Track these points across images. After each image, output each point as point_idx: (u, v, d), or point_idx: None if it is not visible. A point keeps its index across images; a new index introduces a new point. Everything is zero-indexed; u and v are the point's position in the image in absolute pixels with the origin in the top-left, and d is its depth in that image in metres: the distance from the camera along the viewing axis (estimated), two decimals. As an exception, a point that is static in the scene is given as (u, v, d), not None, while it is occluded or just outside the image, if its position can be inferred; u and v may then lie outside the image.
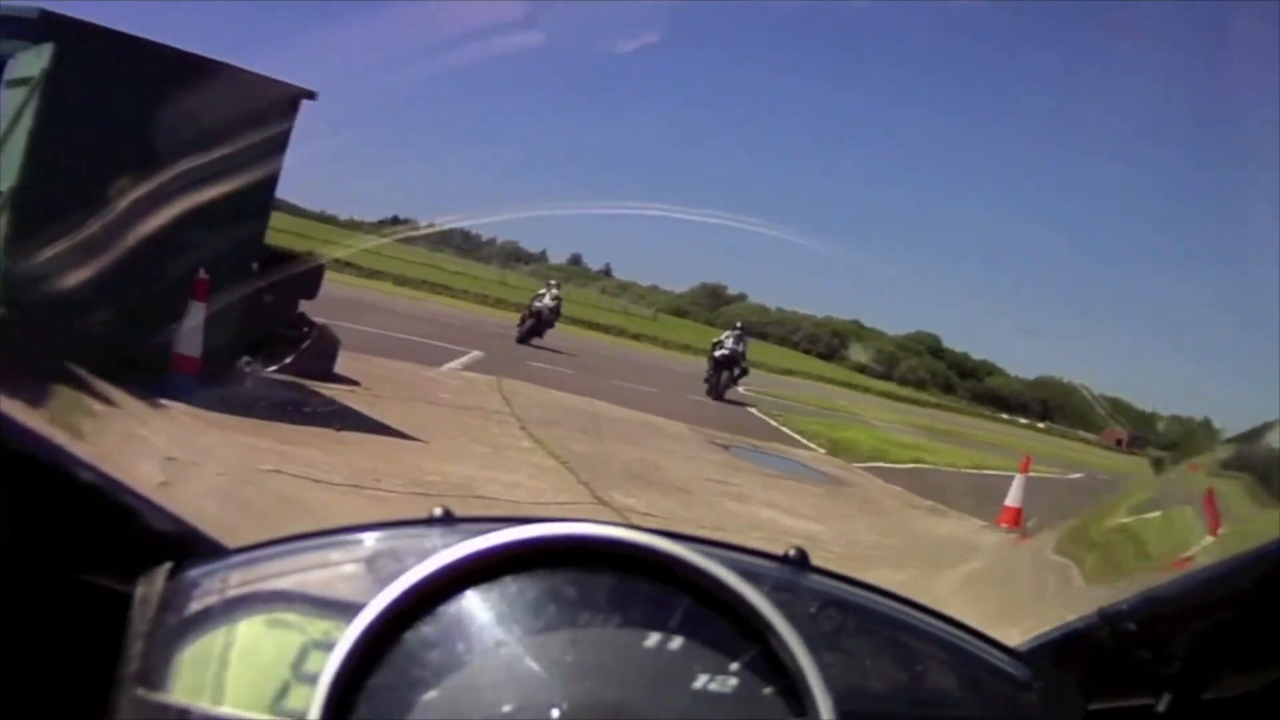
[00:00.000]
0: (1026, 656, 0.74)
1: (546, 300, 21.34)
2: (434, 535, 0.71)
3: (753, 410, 18.59)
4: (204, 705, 0.67)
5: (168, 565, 0.72)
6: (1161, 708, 0.71)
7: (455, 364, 13.47)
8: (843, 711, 0.64)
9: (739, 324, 20.74)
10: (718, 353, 19.57)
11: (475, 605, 0.68)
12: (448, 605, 0.67)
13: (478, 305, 31.69)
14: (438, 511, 0.73)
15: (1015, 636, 0.78)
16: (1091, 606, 0.75)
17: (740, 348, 19.61)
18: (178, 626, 0.70)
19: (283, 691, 0.67)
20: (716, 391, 19.03)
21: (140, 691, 0.68)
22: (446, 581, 0.67)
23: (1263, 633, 0.70)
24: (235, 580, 0.72)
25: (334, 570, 0.72)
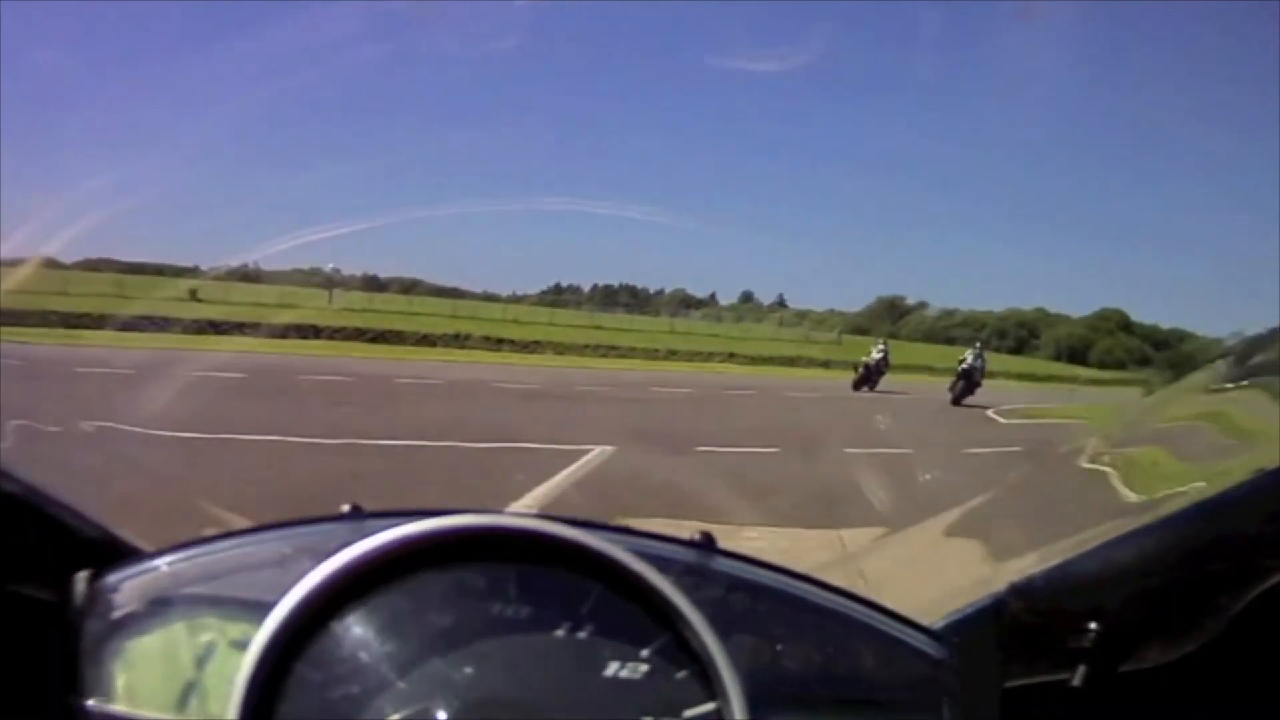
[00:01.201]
0: (941, 634, 0.74)
1: (874, 355, 24.14)
2: (343, 531, 0.72)
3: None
4: (127, 709, 0.68)
5: (88, 572, 0.72)
6: (1077, 681, 0.71)
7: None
8: (754, 693, 0.65)
9: (979, 343, 24.71)
10: (962, 367, 22.94)
11: (388, 599, 0.68)
12: (361, 600, 0.68)
13: (647, 361, 28.64)
14: (346, 508, 0.74)
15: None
16: (1004, 582, 0.75)
17: (980, 364, 23.04)
18: (99, 632, 0.71)
19: (204, 693, 0.68)
20: (956, 399, 22.08)
21: (64, 697, 0.69)
22: (356, 576, 0.68)
23: (1177, 604, 0.70)
24: (154, 584, 0.72)
25: (249, 571, 0.73)
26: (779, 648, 0.70)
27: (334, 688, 0.65)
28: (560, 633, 0.67)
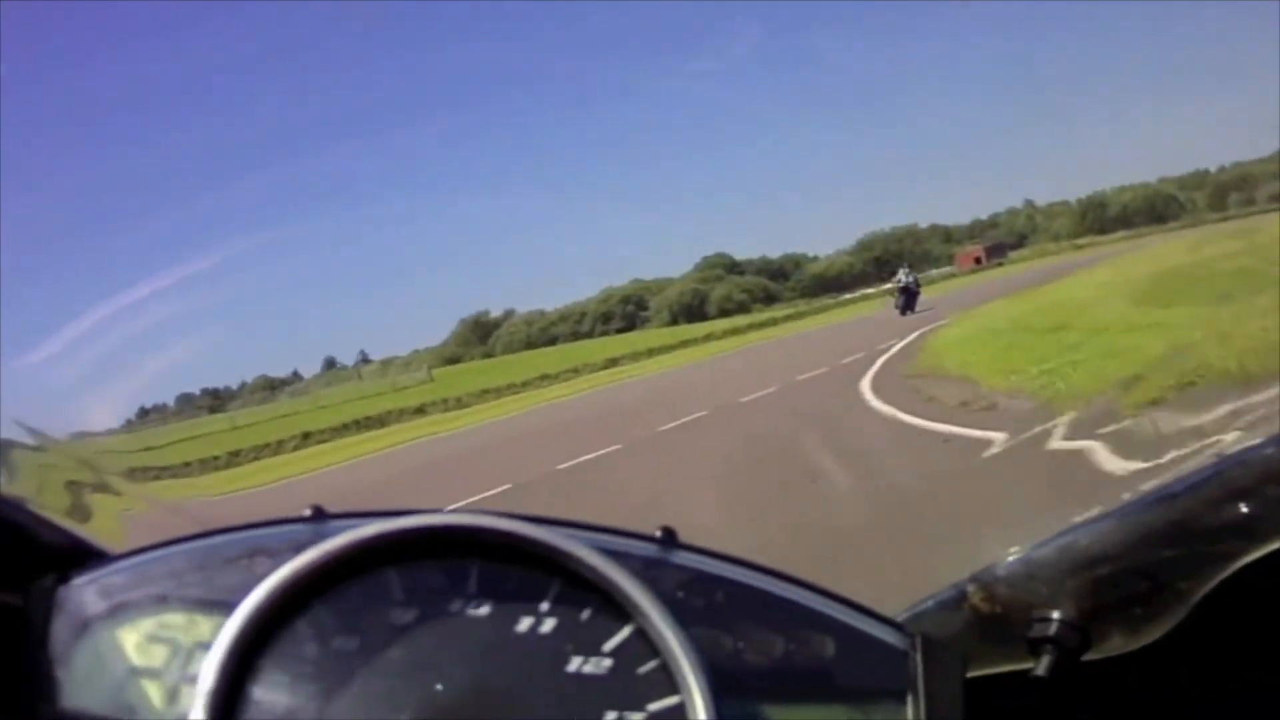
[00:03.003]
0: (904, 625, 0.74)
1: (904, 277, 34.38)
2: (305, 532, 0.72)
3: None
4: (92, 712, 0.68)
5: (52, 576, 0.72)
6: (1040, 671, 0.71)
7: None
8: (717, 685, 0.64)
9: (907, 264, 36.94)
10: (899, 285, 33.98)
11: (350, 598, 0.69)
12: (324, 599, 0.68)
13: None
14: (308, 510, 0.74)
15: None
16: (966, 571, 0.75)
17: (913, 279, 34.35)
18: (64, 636, 0.70)
19: (170, 694, 0.67)
20: (906, 311, 32.24)
21: (29, 702, 0.69)
22: (319, 575, 0.68)
23: (1140, 592, 0.70)
24: (119, 586, 0.72)
25: (212, 571, 0.72)
26: (742, 640, 0.70)
27: (299, 685, 0.65)
28: (521, 629, 0.68)
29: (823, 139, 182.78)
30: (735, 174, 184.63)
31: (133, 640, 0.70)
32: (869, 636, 0.72)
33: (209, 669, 0.64)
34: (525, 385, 35.01)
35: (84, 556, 0.75)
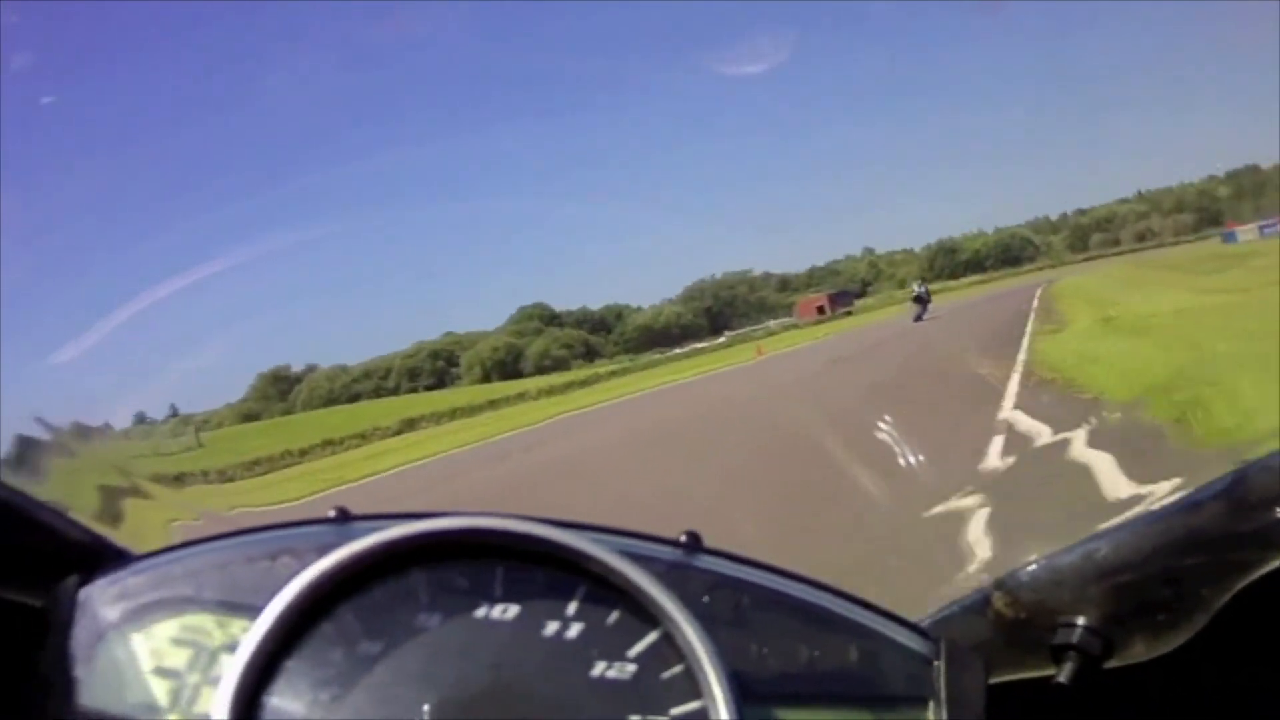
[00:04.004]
0: (928, 630, 0.74)
1: (916, 289, 39.38)
2: (330, 533, 0.73)
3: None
4: (115, 712, 0.68)
5: (76, 576, 0.72)
6: (1063, 678, 0.72)
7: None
8: (741, 690, 0.65)
9: (921, 279, 45.07)
10: (914, 295, 37.97)
11: (375, 600, 0.69)
12: (348, 601, 0.68)
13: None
14: (332, 512, 0.75)
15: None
16: (990, 576, 0.75)
17: (924, 289, 39.38)
18: (88, 636, 0.71)
19: (193, 694, 0.68)
20: (917, 318, 34.81)
21: (53, 702, 0.69)
22: (345, 577, 0.68)
23: (1162, 599, 0.71)
24: (142, 587, 0.72)
25: (237, 573, 0.72)
26: (765, 645, 0.70)
27: (323, 688, 0.66)
28: (546, 632, 0.68)
29: (649, 181, 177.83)
30: (556, 220, 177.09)
31: (155, 641, 0.70)
32: (892, 641, 0.72)
33: (233, 670, 0.64)
34: (304, 454, 31.55)
35: (107, 557, 0.75)
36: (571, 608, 0.68)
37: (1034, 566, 0.74)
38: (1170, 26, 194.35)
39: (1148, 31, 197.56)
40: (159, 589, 0.72)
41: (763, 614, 0.71)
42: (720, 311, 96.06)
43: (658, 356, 71.74)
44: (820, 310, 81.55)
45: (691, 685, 0.65)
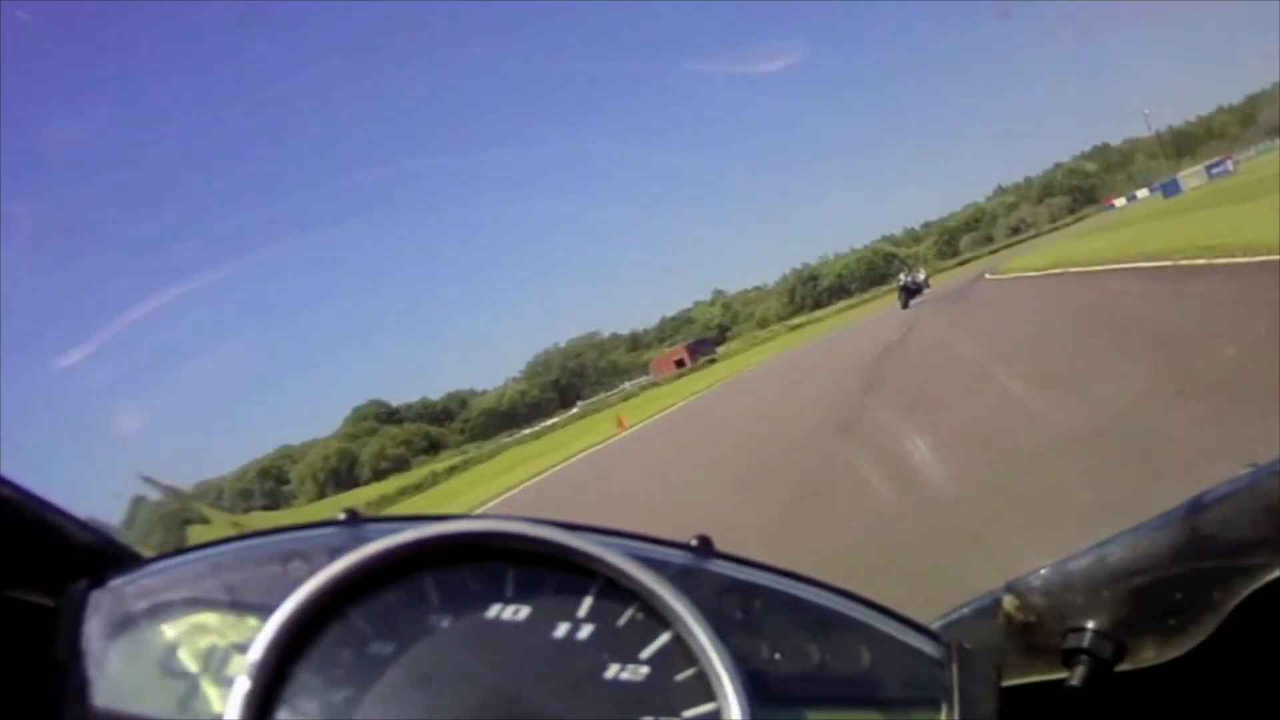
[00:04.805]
0: (939, 633, 0.74)
1: (905, 278, 43.05)
2: (340, 536, 0.73)
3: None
4: (127, 716, 0.67)
5: (86, 578, 0.72)
6: (1075, 681, 0.72)
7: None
8: (753, 693, 0.65)
9: (908, 265, 55.77)
10: (900, 284, 42.48)
11: (387, 602, 0.69)
12: (360, 603, 0.68)
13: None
14: (342, 514, 0.75)
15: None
16: (1001, 580, 0.76)
17: (910, 278, 43.84)
18: (98, 637, 0.70)
19: (204, 696, 0.67)
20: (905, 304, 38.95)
21: (63, 702, 0.68)
22: (356, 579, 0.68)
23: (1174, 602, 0.71)
24: (153, 588, 0.72)
25: (248, 574, 0.72)
26: (777, 647, 0.70)
27: (334, 690, 0.65)
28: (558, 635, 0.68)
29: (478, 258, 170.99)
30: (389, 312, 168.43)
31: (167, 642, 0.70)
32: (904, 645, 0.72)
33: (245, 672, 0.64)
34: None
35: (118, 558, 0.74)
36: (583, 610, 0.68)
37: (1045, 570, 0.74)
38: (992, 27, 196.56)
39: (974, 35, 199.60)
40: (170, 590, 0.71)
41: (774, 617, 0.71)
42: (569, 383, 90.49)
43: (506, 440, 68.95)
44: (679, 363, 78.18)
45: (705, 687, 0.65)
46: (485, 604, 0.68)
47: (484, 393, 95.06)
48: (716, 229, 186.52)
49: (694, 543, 0.75)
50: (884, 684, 0.70)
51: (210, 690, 0.67)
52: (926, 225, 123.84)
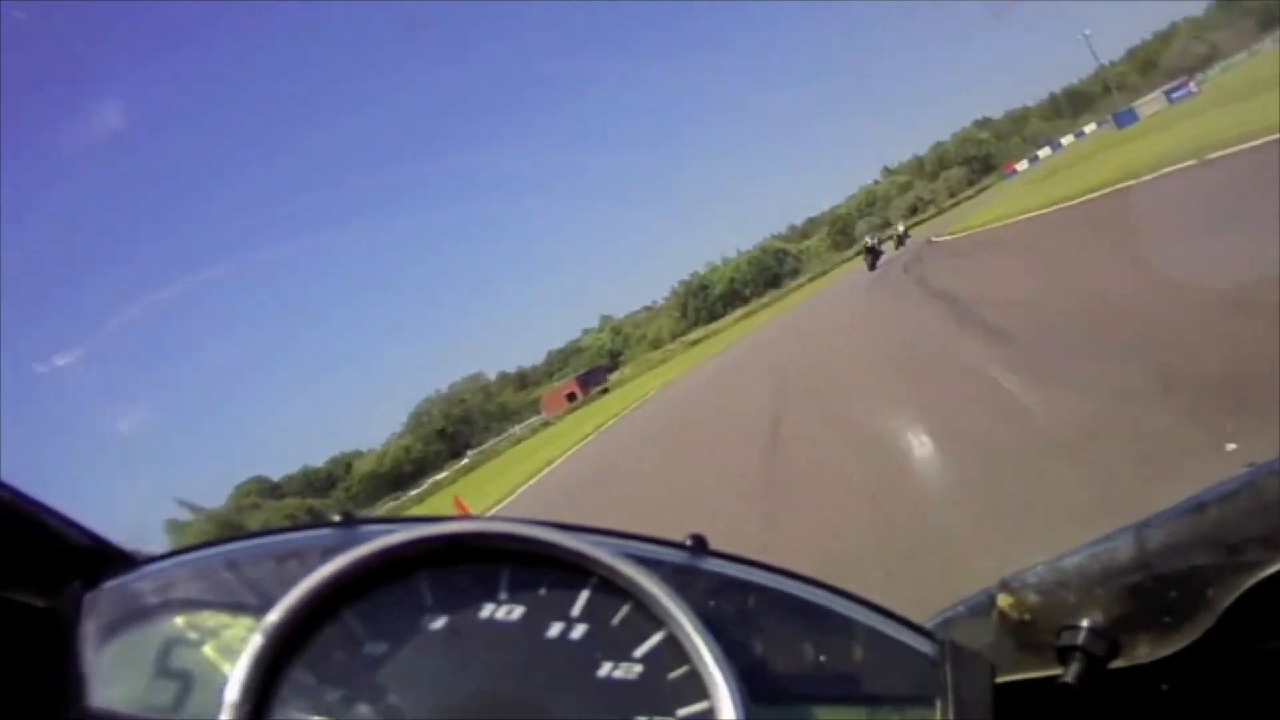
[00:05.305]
0: (934, 631, 0.74)
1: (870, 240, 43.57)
2: (335, 537, 0.73)
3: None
4: (123, 716, 0.68)
5: (80, 580, 0.73)
6: (1069, 678, 0.72)
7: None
8: (746, 691, 0.65)
9: (871, 230, 54.31)
10: (867, 246, 43.03)
11: (381, 603, 0.69)
12: (354, 604, 0.69)
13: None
14: (337, 516, 0.75)
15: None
16: (995, 577, 0.76)
17: (875, 240, 43.85)
18: (93, 639, 0.71)
19: (198, 697, 0.68)
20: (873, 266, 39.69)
21: (58, 704, 0.69)
22: (350, 580, 0.69)
23: (1168, 600, 0.71)
24: (148, 590, 0.72)
25: (242, 576, 0.72)
26: (771, 646, 0.70)
27: (327, 690, 0.66)
28: (552, 634, 0.68)
29: (348, 308, 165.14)
30: (261, 380, 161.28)
31: (161, 643, 0.70)
32: (898, 643, 0.72)
33: (239, 673, 0.65)
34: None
35: (113, 560, 0.75)
36: (576, 609, 0.69)
37: (1039, 568, 0.75)
38: (850, 15, 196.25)
39: (833, 26, 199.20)
40: (165, 591, 0.72)
41: (768, 615, 0.71)
42: (456, 431, 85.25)
43: (392, 504, 66.49)
44: (571, 397, 75.02)
45: (698, 686, 0.65)
46: (479, 604, 0.68)
47: (369, 452, 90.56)
48: (598, 252, 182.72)
49: (688, 542, 0.74)
50: (878, 681, 0.70)
51: (205, 690, 0.67)
52: (812, 220, 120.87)
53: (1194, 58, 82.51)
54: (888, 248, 46.73)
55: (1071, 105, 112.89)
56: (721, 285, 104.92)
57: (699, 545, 0.74)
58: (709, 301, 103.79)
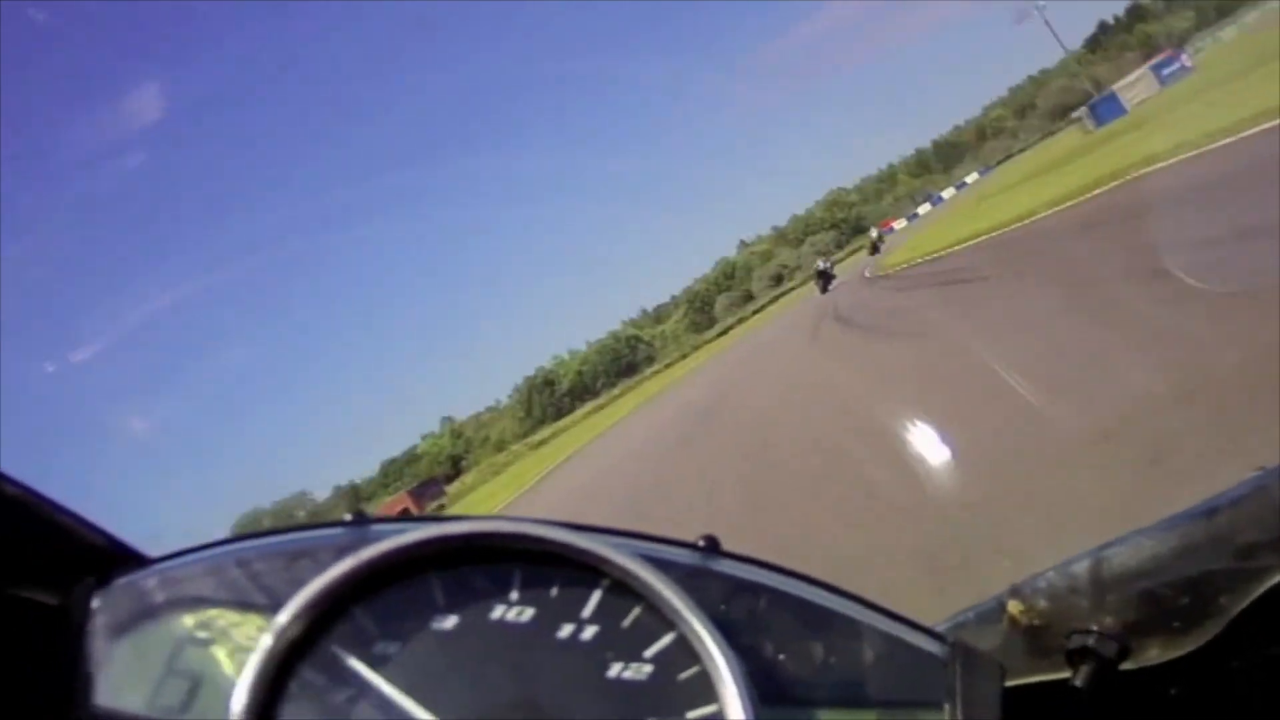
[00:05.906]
0: (944, 635, 0.74)
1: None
2: (346, 536, 0.73)
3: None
4: (132, 714, 0.68)
5: (92, 578, 0.73)
6: (1079, 681, 0.73)
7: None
8: (756, 693, 0.65)
9: (826, 255, 59.66)
10: (817, 270, 46.01)
11: (392, 603, 0.69)
12: (365, 604, 0.69)
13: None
14: (348, 516, 0.75)
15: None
16: (1006, 582, 0.77)
17: (828, 264, 47.03)
18: (103, 637, 0.71)
19: (208, 695, 0.68)
20: (825, 289, 42.37)
21: (68, 702, 0.69)
22: (361, 580, 0.69)
23: (1178, 604, 0.71)
24: (158, 588, 0.73)
25: (253, 574, 0.72)
26: (782, 648, 0.70)
27: (337, 690, 0.66)
28: (563, 635, 0.68)
29: (178, 415, 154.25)
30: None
31: (171, 641, 0.70)
32: (908, 645, 0.72)
33: (249, 672, 0.65)
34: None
35: (124, 558, 0.75)
36: (588, 610, 0.69)
37: (1050, 573, 0.75)
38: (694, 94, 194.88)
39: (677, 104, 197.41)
40: (176, 589, 0.72)
41: (779, 617, 0.71)
42: None
43: None
44: (405, 513, 64.73)
45: (708, 687, 0.65)
46: (490, 604, 0.69)
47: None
48: (439, 351, 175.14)
49: (701, 543, 0.74)
50: (887, 685, 0.70)
51: (214, 690, 0.67)
52: (666, 303, 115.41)
53: (1078, 94, 78.78)
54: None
55: (940, 158, 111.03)
56: (569, 379, 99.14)
57: (711, 546, 0.74)
58: (555, 397, 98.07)
